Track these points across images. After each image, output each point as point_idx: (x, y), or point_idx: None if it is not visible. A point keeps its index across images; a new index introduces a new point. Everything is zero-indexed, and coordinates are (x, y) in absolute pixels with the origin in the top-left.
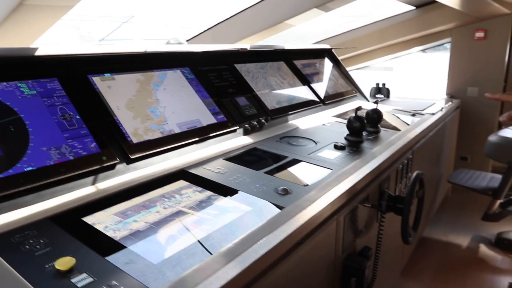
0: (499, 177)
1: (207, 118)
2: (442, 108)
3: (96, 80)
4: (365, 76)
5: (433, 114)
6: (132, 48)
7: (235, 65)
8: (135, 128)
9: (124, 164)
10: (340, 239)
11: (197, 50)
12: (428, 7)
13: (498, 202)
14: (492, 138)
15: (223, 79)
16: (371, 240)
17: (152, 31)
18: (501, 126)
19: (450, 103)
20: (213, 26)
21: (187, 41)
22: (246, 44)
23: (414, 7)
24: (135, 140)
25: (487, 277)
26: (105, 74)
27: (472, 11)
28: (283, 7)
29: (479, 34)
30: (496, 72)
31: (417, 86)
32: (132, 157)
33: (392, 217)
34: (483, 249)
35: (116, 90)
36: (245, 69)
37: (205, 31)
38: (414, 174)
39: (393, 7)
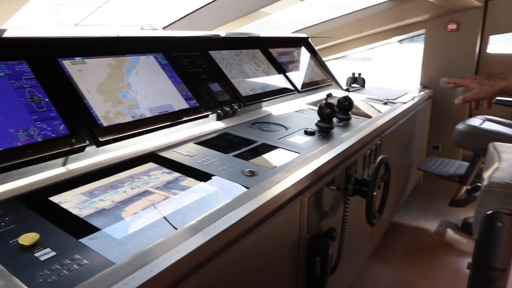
0: (466, 164)
1: (179, 103)
2: (413, 97)
3: (66, 63)
4: (344, 66)
5: (404, 103)
6: (104, 32)
7: (210, 52)
8: (106, 112)
9: (94, 146)
10: (305, 219)
11: (171, 35)
12: None
13: (465, 188)
14: (459, 126)
15: (196, 66)
16: (337, 222)
17: (128, 17)
18: (471, 115)
19: (423, 93)
20: (190, 13)
21: (164, 28)
22: (222, 31)
23: None
24: (105, 124)
25: (452, 259)
26: (75, 58)
27: (445, 3)
28: None
29: (452, 26)
30: (467, 64)
31: (395, 76)
32: (102, 140)
33: (360, 201)
34: (450, 233)
35: (87, 74)
36: (220, 56)
37: (182, 18)
38: (379, 158)
39: None
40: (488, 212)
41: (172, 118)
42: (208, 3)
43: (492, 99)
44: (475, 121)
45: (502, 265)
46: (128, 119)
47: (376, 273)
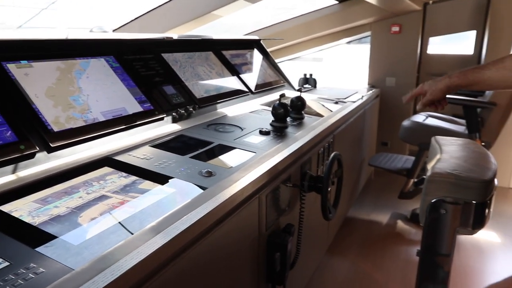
0: (412, 158)
1: (133, 107)
2: (362, 96)
3: (11, 67)
4: (296, 66)
5: (354, 102)
6: (52, 35)
7: (162, 54)
8: (56, 117)
9: (45, 152)
10: (263, 217)
11: (122, 38)
12: (349, 2)
13: (412, 181)
14: (405, 123)
15: (149, 68)
16: (294, 218)
17: (75, 19)
18: (415, 112)
19: (371, 92)
20: (140, 16)
21: (113, 30)
22: (174, 34)
23: (337, 1)
24: (56, 129)
25: (403, 248)
26: (21, 61)
27: (388, 7)
28: None
29: (395, 28)
30: (410, 63)
31: (344, 76)
32: (52, 145)
33: (316, 197)
34: (400, 224)
35: (34, 78)
36: (173, 59)
37: (132, 20)
38: (332, 155)
39: (318, 1)
40: (432, 201)
41: (126, 122)
42: (159, 6)
43: (444, 98)
44: (419, 118)
45: (447, 250)
46: (80, 123)
47: (333, 266)
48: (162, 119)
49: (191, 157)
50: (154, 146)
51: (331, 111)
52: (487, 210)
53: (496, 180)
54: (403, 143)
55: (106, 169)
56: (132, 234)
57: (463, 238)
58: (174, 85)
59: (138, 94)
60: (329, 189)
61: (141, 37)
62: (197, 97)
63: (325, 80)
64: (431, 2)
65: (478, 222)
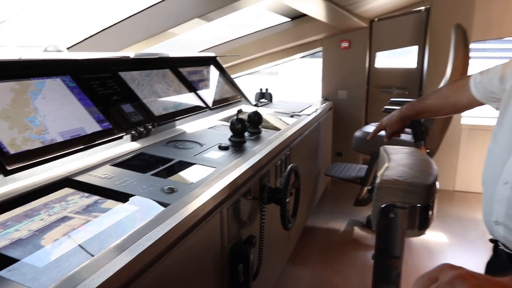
0: (366, 167)
1: (92, 126)
2: (316, 109)
3: None
4: (253, 80)
5: (308, 115)
6: (4, 55)
7: (119, 73)
8: (12, 139)
9: (1, 176)
10: (225, 229)
11: (78, 57)
12: (301, 19)
13: (366, 188)
14: (357, 133)
15: (107, 87)
16: (255, 229)
17: (27, 37)
18: (366, 123)
19: (324, 105)
20: (95, 34)
21: (67, 48)
22: (130, 52)
23: (289, 19)
24: (12, 151)
25: (360, 253)
26: None
27: (337, 24)
28: (166, 16)
29: (344, 44)
30: (360, 77)
31: (299, 89)
32: (9, 168)
33: (276, 208)
34: (357, 230)
35: None
36: (130, 77)
37: (86, 38)
38: (289, 167)
39: (272, 18)
40: (382, 206)
41: (85, 142)
42: (114, 24)
43: (402, 127)
44: (370, 128)
45: (398, 252)
46: (37, 145)
47: (295, 275)
48: (121, 137)
49: (152, 175)
50: (114, 165)
51: (287, 124)
52: (430, 212)
53: (437, 184)
54: (356, 152)
55: (67, 190)
56: (98, 253)
57: (414, 241)
58: (132, 103)
59: (96, 113)
60: (287, 200)
61: (98, 56)
62: (155, 114)
63: (281, 94)
64: (376, 19)
65: (424, 223)
